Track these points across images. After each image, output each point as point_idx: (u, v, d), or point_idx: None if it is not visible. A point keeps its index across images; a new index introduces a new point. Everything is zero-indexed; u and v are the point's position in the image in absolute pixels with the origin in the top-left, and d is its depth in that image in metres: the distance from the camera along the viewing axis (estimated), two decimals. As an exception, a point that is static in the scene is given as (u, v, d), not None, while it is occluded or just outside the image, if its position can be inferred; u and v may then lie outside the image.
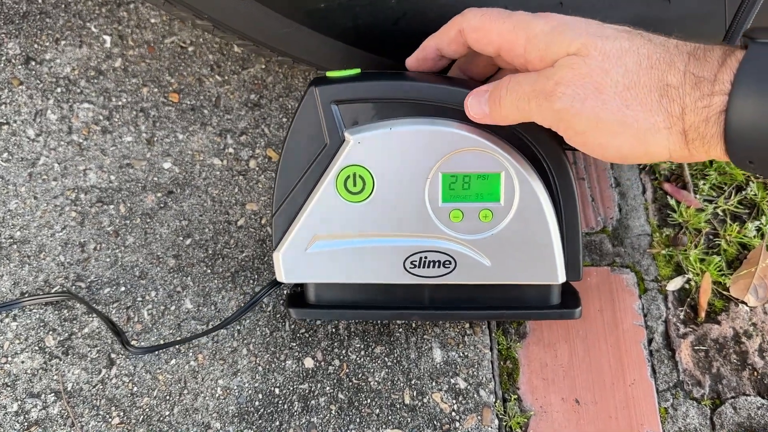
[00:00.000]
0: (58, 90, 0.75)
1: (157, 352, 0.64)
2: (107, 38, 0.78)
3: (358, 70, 0.54)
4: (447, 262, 0.56)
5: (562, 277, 0.56)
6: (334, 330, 0.66)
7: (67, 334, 0.65)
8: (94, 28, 0.79)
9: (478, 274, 0.56)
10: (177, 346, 0.65)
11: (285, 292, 0.68)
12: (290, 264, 0.57)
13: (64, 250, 0.68)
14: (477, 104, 0.49)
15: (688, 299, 0.70)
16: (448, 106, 0.52)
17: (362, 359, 0.65)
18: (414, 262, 0.56)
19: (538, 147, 0.53)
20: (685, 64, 0.39)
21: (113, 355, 0.64)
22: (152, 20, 0.80)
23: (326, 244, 0.56)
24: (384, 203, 0.55)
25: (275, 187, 0.55)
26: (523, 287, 0.59)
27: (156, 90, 0.77)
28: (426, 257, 0.56)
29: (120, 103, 0.75)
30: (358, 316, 0.63)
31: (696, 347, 0.67)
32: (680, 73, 0.39)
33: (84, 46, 0.78)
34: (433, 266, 0.56)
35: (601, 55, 0.41)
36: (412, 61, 0.55)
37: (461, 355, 0.65)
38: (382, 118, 0.53)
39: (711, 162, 0.76)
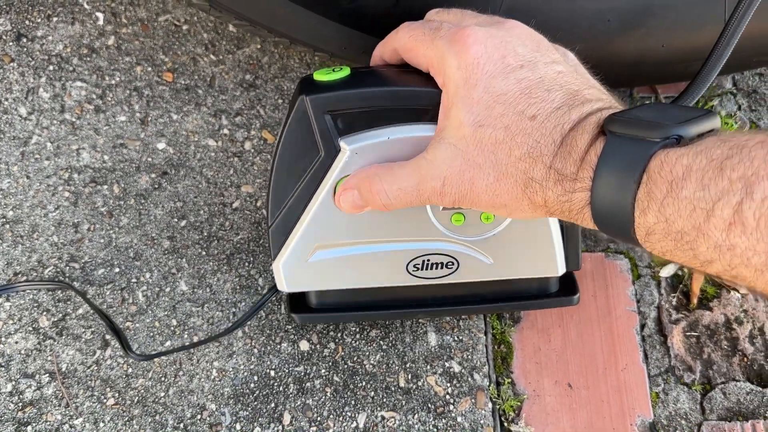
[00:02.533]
0: (51, 68, 0.74)
1: (154, 343, 0.64)
2: (100, 15, 0.77)
3: (347, 71, 0.51)
4: (450, 263, 0.56)
5: (562, 269, 0.57)
6: (329, 313, 0.66)
7: (61, 315, 0.64)
8: (87, 4, 0.77)
9: (480, 272, 0.57)
10: (178, 353, 0.64)
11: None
12: (291, 274, 0.56)
13: (58, 230, 0.68)
14: (349, 201, 0.51)
15: (681, 286, 0.70)
16: None
17: (358, 342, 0.65)
18: (417, 265, 0.56)
19: None
20: (552, 157, 0.40)
21: (108, 336, 0.64)
22: (146, -3, 0.79)
23: (328, 253, 0.55)
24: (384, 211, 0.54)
25: (269, 198, 0.54)
26: (524, 280, 0.59)
27: (150, 69, 0.76)
28: (429, 260, 0.56)
29: (113, 81, 0.74)
30: (363, 317, 0.63)
31: (688, 333, 0.68)
32: (545, 168, 0.41)
33: (76, 23, 0.76)
34: (436, 268, 0.56)
35: (476, 149, 0.43)
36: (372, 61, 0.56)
37: (456, 339, 0.65)
38: (378, 125, 0.50)
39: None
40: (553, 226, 0.55)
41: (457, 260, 0.56)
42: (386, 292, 0.59)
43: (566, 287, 0.61)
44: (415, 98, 0.49)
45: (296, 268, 0.56)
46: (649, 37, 0.63)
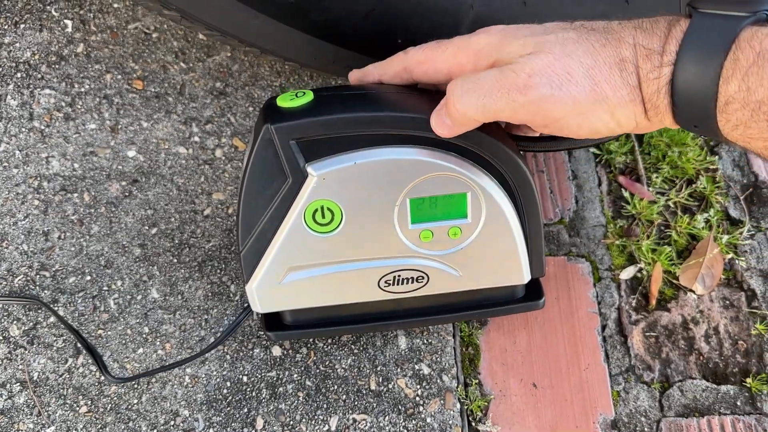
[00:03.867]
0: (18, 75, 0.74)
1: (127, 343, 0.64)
2: (68, 23, 0.77)
3: (310, 95, 0.52)
4: (420, 278, 0.58)
5: (527, 277, 0.59)
6: (301, 318, 0.67)
7: (32, 324, 0.64)
8: (55, 11, 0.77)
9: (449, 284, 0.58)
10: (159, 375, 0.65)
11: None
12: (265, 296, 0.57)
13: (28, 238, 0.68)
14: (439, 121, 0.49)
15: (640, 287, 0.73)
16: (411, 133, 0.51)
17: (329, 347, 0.66)
18: (388, 281, 0.58)
19: (498, 161, 0.53)
20: (633, 37, 0.41)
21: (80, 344, 0.64)
22: (115, 5, 0.79)
23: (300, 274, 0.56)
24: (355, 232, 0.55)
25: (239, 223, 0.54)
26: (491, 289, 0.61)
27: (120, 77, 0.76)
28: (399, 275, 0.57)
29: (83, 89, 0.74)
30: (337, 332, 0.64)
31: (647, 333, 0.71)
32: (631, 47, 0.41)
33: (44, 30, 0.76)
34: (407, 282, 0.58)
35: (559, 45, 0.42)
36: (353, 77, 0.55)
37: (425, 342, 0.67)
38: (344, 150, 0.51)
39: (664, 156, 0.79)
40: (517, 236, 0.57)
41: (426, 274, 0.58)
42: (359, 307, 0.60)
43: (532, 292, 0.64)
44: (379, 123, 0.51)
45: (269, 289, 0.57)
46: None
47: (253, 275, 0.56)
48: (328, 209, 0.53)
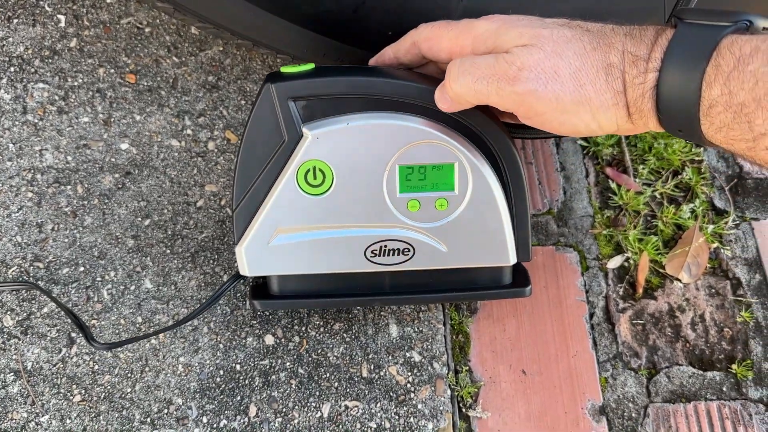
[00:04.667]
0: (12, 69, 0.74)
1: (118, 333, 0.65)
2: (62, 17, 0.78)
3: (312, 65, 0.55)
4: (406, 250, 0.59)
5: (513, 259, 0.60)
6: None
7: (25, 314, 0.65)
8: (48, 6, 0.78)
9: (435, 259, 0.59)
10: (140, 338, 0.65)
11: (248, 282, 0.69)
12: (253, 258, 0.58)
13: (21, 230, 0.68)
14: (441, 95, 0.51)
15: (627, 276, 0.74)
16: (403, 101, 0.53)
17: (321, 335, 0.67)
18: (374, 251, 0.59)
19: (489, 138, 0.55)
20: (623, 44, 0.43)
21: (73, 334, 0.64)
22: (108, 0, 0.79)
23: (289, 237, 0.57)
24: (344, 195, 0.56)
25: (234, 183, 0.56)
26: (477, 270, 0.62)
27: (112, 71, 0.76)
28: (386, 246, 0.58)
29: (76, 83, 0.75)
30: (322, 304, 0.65)
31: (634, 321, 0.72)
32: (619, 53, 0.43)
33: (38, 24, 0.77)
34: (393, 254, 0.59)
35: (552, 42, 0.44)
36: (371, 62, 0.57)
37: (416, 330, 0.68)
38: (339, 113, 0.54)
39: (650, 148, 0.81)
40: (503, 214, 0.58)
41: (413, 246, 0.59)
42: (345, 280, 0.61)
43: (519, 279, 0.65)
44: (373, 87, 0.53)
45: (258, 252, 0.58)
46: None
47: (243, 236, 0.58)
48: (320, 170, 0.55)
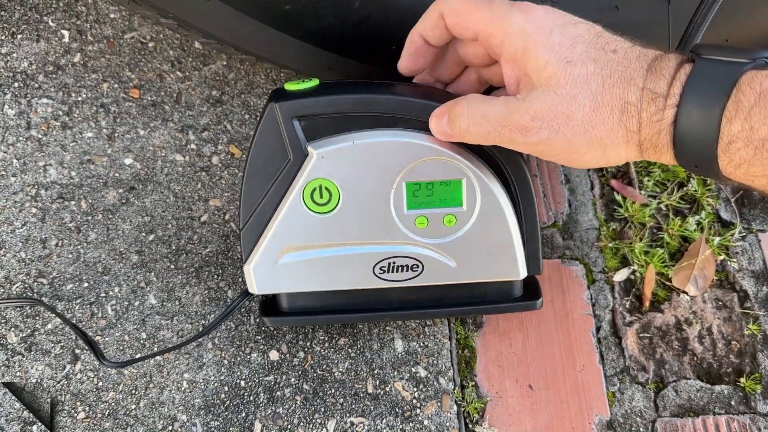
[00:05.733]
0: (16, 85, 0.75)
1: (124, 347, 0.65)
2: (65, 33, 0.78)
3: (316, 81, 0.55)
4: (414, 266, 0.58)
5: (523, 273, 0.59)
6: (298, 323, 0.68)
7: (29, 331, 0.64)
8: (52, 22, 0.78)
9: (444, 275, 0.59)
10: (149, 357, 0.65)
11: (255, 297, 0.69)
12: (262, 276, 0.58)
13: (25, 246, 0.68)
14: (437, 127, 0.51)
15: (633, 289, 0.74)
16: (409, 117, 0.53)
17: (326, 351, 0.67)
18: (383, 268, 0.58)
19: (496, 152, 0.55)
20: (643, 80, 0.43)
21: (77, 351, 0.64)
22: (111, 15, 0.79)
23: (296, 255, 0.57)
24: (351, 213, 0.56)
25: (241, 202, 0.56)
26: (488, 284, 0.61)
27: (116, 86, 0.76)
28: (394, 262, 0.58)
29: (80, 98, 0.75)
30: (331, 320, 0.64)
31: (641, 334, 0.71)
32: (638, 90, 0.43)
33: (42, 40, 0.77)
34: (402, 270, 0.58)
35: (569, 84, 0.44)
36: (403, 62, 0.55)
37: (422, 345, 0.68)
38: (344, 131, 0.54)
39: (655, 160, 0.80)
40: (513, 228, 0.57)
41: (421, 263, 0.58)
42: (354, 296, 0.61)
43: (530, 292, 0.64)
44: (378, 105, 0.53)
45: (266, 270, 0.58)
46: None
47: (251, 255, 0.57)
48: (326, 189, 0.55)
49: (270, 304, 0.63)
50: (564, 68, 0.44)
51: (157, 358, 0.65)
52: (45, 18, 0.78)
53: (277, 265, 0.58)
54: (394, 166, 0.54)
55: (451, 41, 0.54)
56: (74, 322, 0.65)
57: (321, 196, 0.55)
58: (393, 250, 0.58)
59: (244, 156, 0.75)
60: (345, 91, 0.54)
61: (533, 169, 0.80)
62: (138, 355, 0.65)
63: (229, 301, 0.68)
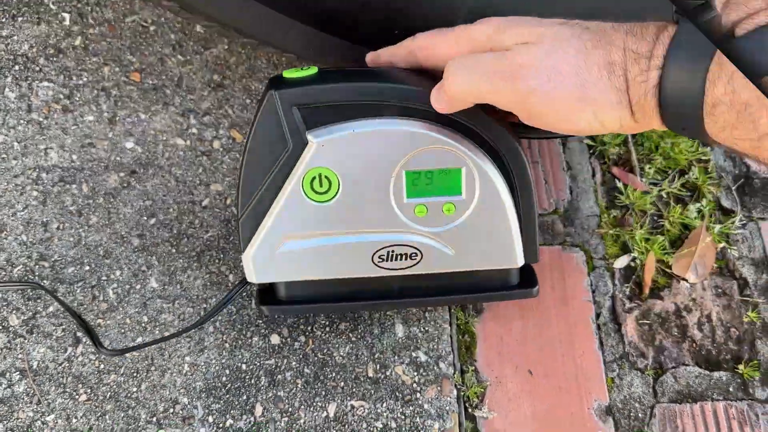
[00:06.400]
0: (16, 67, 0.74)
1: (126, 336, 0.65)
2: (66, 16, 0.77)
3: (315, 69, 0.54)
4: (413, 254, 0.58)
5: (520, 261, 0.59)
6: (299, 307, 0.68)
7: (31, 313, 0.65)
8: (53, 5, 0.78)
9: (443, 263, 0.59)
10: (147, 345, 0.65)
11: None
12: (260, 265, 0.58)
13: (26, 229, 0.68)
14: (437, 99, 0.51)
15: (634, 276, 0.74)
16: (409, 105, 0.53)
17: (327, 335, 0.67)
18: (382, 256, 0.58)
19: (495, 141, 0.55)
20: (624, 41, 0.42)
21: (79, 333, 0.64)
22: (112, -2, 0.79)
23: (296, 244, 0.57)
24: (350, 202, 0.56)
25: (239, 190, 0.55)
26: (485, 272, 0.61)
27: (117, 69, 0.76)
28: (393, 251, 0.58)
29: (81, 81, 0.75)
30: (330, 310, 0.65)
31: (640, 321, 0.72)
32: (621, 51, 0.42)
33: (42, 23, 0.77)
34: (401, 259, 0.58)
35: (552, 40, 0.44)
36: (368, 59, 0.57)
37: (422, 330, 0.68)
38: (344, 119, 0.53)
39: (657, 147, 0.80)
40: (511, 217, 0.57)
41: (420, 251, 0.58)
42: (353, 284, 0.61)
43: (526, 280, 0.64)
44: (378, 94, 0.52)
45: (265, 259, 0.58)
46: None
47: (250, 243, 0.57)
48: (326, 177, 0.54)
49: (268, 293, 0.63)
50: (545, 28, 0.44)
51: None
52: (46, 1, 0.78)
53: (276, 254, 0.57)
54: (393, 155, 0.54)
55: None
56: (75, 305, 0.65)
57: (320, 185, 0.55)
58: (392, 239, 0.58)
59: (243, 147, 0.75)
60: (345, 79, 0.54)
61: (534, 155, 0.80)
62: (138, 340, 0.65)
63: (230, 285, 0.68)
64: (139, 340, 0.65)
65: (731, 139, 0.41)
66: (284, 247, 0.57)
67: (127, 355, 0.64)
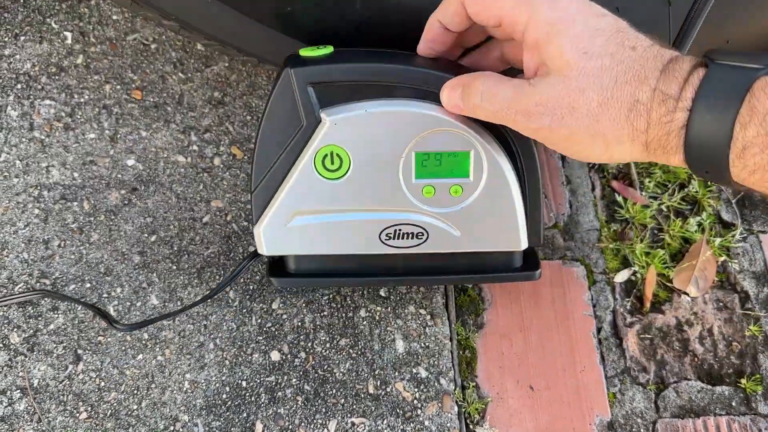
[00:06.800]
0: (18, 86, 0.75)
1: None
2: (68, 34, 0.78)
3: (330, 48, 0.56)
4: (420, 234, 0.59)
5: (524, 244, 0.60)
6: (300, 324, 0.68)
7: (32, 331, 0.65)
8: (55, 23, 0.78)
9: (448, 243, 0.60)
10: (163, 318, 0.66)
11: (251, 288, 0.69)
12: (271, 238, 0.59)
13: (28, 247, 0.68)
14: (449, 98, 0.51)
15: (634, 290, 0.74)
16: (422, 88, 0.54)
17: (327, 351, 0.67)
18: (389, 234, 0.59)
19: (505, 128, 0.56)
20: (657, 80, 0.43)
21: (80, 351, 0.64)
22: (114, 17, 0.80)
23: (306, 219, 0.58)
24: (361, 180, 0.57)
25: (253, 164, 0.57)
26: (489, 254, 0.62)
27: (119, 87, 0.77)
28: (400, 229, 0.59)
29: (82, 99, 0.75)
30: (337, 283, 0.66)
31: (641, 335, 0.71)
32: (650, 90, 0.43)
33: (44, 42, 0.77)
34: (407, 237, 0.60)
35: (580, 75, 0.44)
36: (421, 48, 0.55)
37: (422, 345, 0.68)
38: (357, 99, 0.55)
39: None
40: (517, 201, 0.58)
41: (426, 231, 0.59)
42: (360, 261, 0.62)
43: (529, 263, 0.65)
44: (391, 75, 0.54)
45: (276, 232, 0.59)
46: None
47: (262, 216, 0.58)
48: (338, 155, 0.56)
49: (278, 266, 0.64)
50: (579, 59, 0.44)
51: (158, 357, 0.65)
52: (48, 20, 0.78)
53: (287, 228, 0.59)
54: (404, 136, 0.55)
55: None
56: (76, 322, 0.66)
57: (332, 162, 0.56)
58: (400, 218, 0.59)
59: (246, 157, 0.75)
60: (360, 59, 0.55)
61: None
62: (138, 357, 0.65)
63: (230, 301, 0.68)
64: (140, 357, 0.65)
65: (762, 182, 0.41)
66: (295, 222, 0.58)
67: (127, 372, 0.64)
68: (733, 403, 0.68)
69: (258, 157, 0.57)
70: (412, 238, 0.60)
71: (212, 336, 0.67)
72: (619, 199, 0.78)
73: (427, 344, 0.68)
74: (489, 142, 0.56)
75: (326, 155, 0.56)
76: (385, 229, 0.59)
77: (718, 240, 0.76)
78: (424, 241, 0.60)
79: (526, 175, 0.58)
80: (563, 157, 0.81)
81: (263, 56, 0.64)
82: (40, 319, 0.65)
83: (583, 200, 0.79)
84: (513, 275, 0.65)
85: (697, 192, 0.79)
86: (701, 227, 0.77)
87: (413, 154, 0.56)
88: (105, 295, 0.67)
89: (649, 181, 0.79)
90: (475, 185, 0.58)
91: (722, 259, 0.76)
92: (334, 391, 0.65)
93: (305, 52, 0.55)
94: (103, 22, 0.79)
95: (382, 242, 0.60)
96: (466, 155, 0.56)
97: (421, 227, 0.59)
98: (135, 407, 0.63)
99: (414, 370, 0.66)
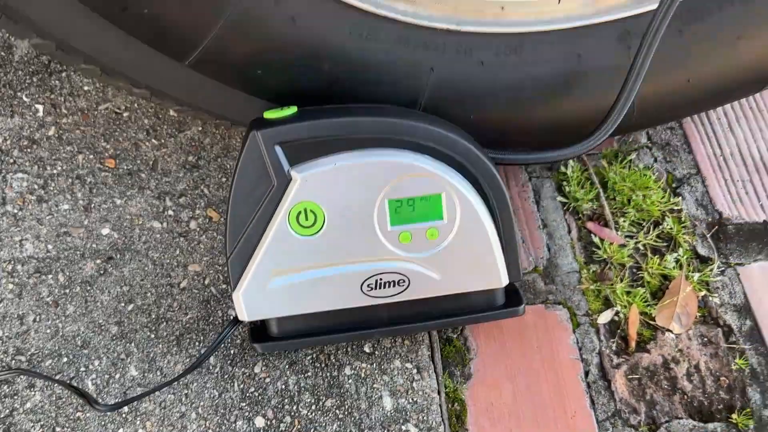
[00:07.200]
0: (-10, 161, 0.75)
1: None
2: (40, 107, 0.78)
3: (295, 108, 0.57)
4: (401, 281, 0.60)
5: (505, 280, 0.61)
6: (283, 387, 0.67)
7: (8, 411, 0.63)
8: (26, 97, 0.79)
9: (429, 288, 0.60)
10: (144, 395, 0.64)
11: (232, 352, 0.68)
12: (251, 302, 0.59)
13: (2, 323, 0.67)
14: None
15: (619, 331, 0.74)
16: (386, 137, 0.55)
17: (313, 414, 0.65)
18: (371, 285, 0.59)
19: (472, 166, 0.58)
20: None
21: (58, 429, 0.62)
22: (85, 87, 0.80)
23: (286, 279, 0.58)
24: (337, 234, 0.57)
25: (227, 230, 0.57)
26: (471, 294, 0.63)
27: (92, 156, 0.77)
28: (381, 279, 0.59)
29: (55, 171, 0.75)
30: (322, 342, 0.65)
31: (629, 376, 0.71)
32: None
33: (16, 115, 0.77)
34: (389, 286, 0.60)
35: None
36: None
37: (410, 401, 0.67)
38: (326, 154, 0.56)
39: (629, 200, 0.81)
40: (492, 237, 0.59)
41: (407, 278, 0.59)
42: (344, 315, 0.62)
43: (512, 299, 0.65)
44: (357, 127, 0.55)
45: (256, 296, 0.58)
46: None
47: (240, 281, 0.58)
48: (311, 211, 0.56)
49: (260, 331, 0.63)
50: None
51: (140, 430, 0.63)
52: (19, 93, 0.79)
53: (267, 291, 0.58)
54: (375, 185, 0.56)
55: None
56: (53, 399, 0.64)
57: (306, 219, 0.56)
58: (380, 267, 0.59)
59: (222, 219, 0.75)
60: (324, 115, 0.56)
61: (511, 216, 0.81)
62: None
63: (211, 368, 0.67)
64: (120, 431, 0.63)
65: None
66: (274, 283, 0.58)
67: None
68: (726, 440, 0.67)
69: (231, 222, 0.57)
70: (394, 285, 0.60)
71: (194, 405, 0.65)
72: (596, 239, 0.79)
73: (415, 399, 0.67)
74: (459, 181, 0.57)
75: (300, 212, 0.56)
76: (366, 279, 0.59)
77: (696, 275, 0.77)
78: (406, 288, 0.60)
79: (498, 210, 0.59)
80: (537, 201, 0.82)
81: (235, 119, 0.65)
82: (16, 397, 0.63)
83: (561, 243, 0.79)
84: (497, 313, 0.65)
85: (672, 229, 0.80)
86: (679, 263, 0.78)
87: (386, 201, 0.57)
88: (83, 369, 0.66)
89: (624, 221, 0.80)
90: (450, 226, 0.58)
91: (702, 293, 0.76)
92: (322, 454, 0.63)
93: (270, 114, 0.56)
94: (75, 93, 0.80)
95: (365, 294, 0.60)
96: (438, 197, 0.57)
97: (401, 274, 0.59)
98: (117, 485, 0.61)
99: (403, 428, 0.65)
